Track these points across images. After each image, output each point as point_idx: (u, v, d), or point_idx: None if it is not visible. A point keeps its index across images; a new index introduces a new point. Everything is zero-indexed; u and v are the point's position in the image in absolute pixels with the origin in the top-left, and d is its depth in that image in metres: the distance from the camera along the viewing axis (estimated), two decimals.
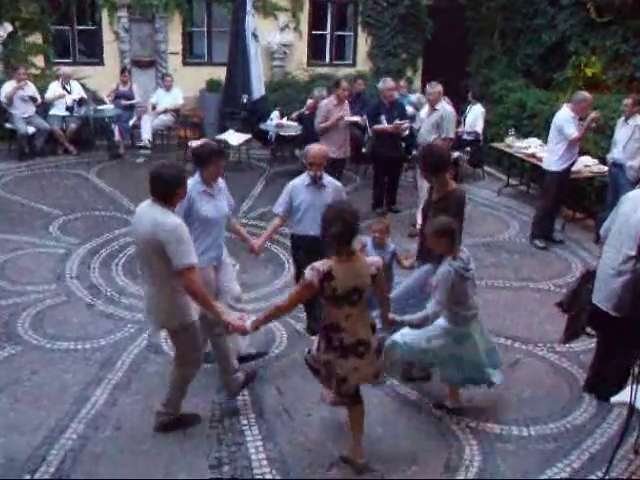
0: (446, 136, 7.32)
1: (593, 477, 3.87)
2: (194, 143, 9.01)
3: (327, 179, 5.06)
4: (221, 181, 4.53)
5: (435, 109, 7.43)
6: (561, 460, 4.00)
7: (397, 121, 7.77)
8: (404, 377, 4.62)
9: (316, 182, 4.98)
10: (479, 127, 9.49)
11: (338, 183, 5.15)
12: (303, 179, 5.04)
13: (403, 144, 8.34)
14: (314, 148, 5.12)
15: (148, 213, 3.67)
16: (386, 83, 7.98)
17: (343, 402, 3.85)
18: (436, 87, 7.50)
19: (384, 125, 7.84)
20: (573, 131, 6.84)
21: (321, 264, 3.46)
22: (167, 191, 3.65)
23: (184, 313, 3.78)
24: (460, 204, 4.53)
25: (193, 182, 4.27)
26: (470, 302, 4.07)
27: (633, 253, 4.17)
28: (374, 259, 3.73)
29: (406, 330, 4.16)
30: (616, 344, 4.35)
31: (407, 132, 8.25)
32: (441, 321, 4.11)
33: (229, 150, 9.71)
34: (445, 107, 7.47)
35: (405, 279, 4.93)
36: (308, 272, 3.45)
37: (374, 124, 7.96)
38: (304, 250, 4.94)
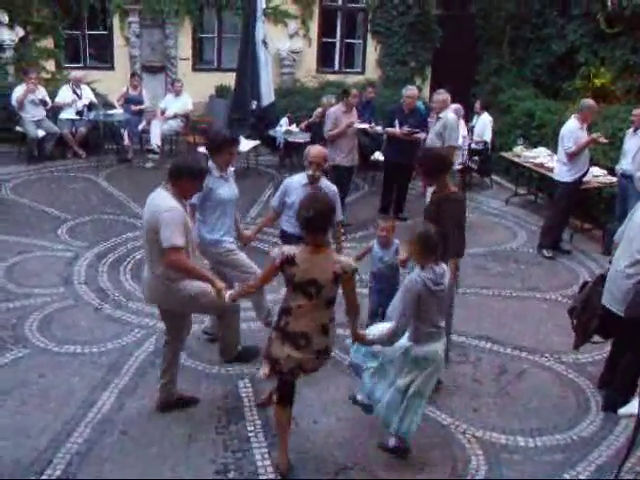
0: (449, 144, 7.32)
1: None
2: (202, 148, 9.12)
3: (324, 182, 5.11)
4: (232, 168, 4.83)
5: (439, 117, 7.44)
6: (567, 472, 3.97)
7: (406, 128, 7.78)
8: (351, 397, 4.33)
9: (313, 182, 5.01)
10: (487, 136, 9.49)
11: (334, 188, 5.15)
12: (300, 178, 5.11)
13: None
14: (315, 148, 5.23)
15: (154, 197, 3.92)
16: (408, 91, 8.02)
17: (276, 406, 3.83)
18: (441, 95, 7.51)
19: (395, 129, 7.86)
20: (570, 145, 6.85)
21: (288, 248, 3.53)
22: (175, 176, 3.86)
23: (175, 296, 3.99)
24: (456, 208, 4.46)
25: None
26: (434, 319, 3.75)
27: None
28: (345, 260, 3.57)
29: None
30: (627, 345, 4.40)
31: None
32: (402, 340, 3.79)
33: (238, 156, 9.76)
34: (448, 115, 7.47)
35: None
36: (274, 251, 3.58)
37: (387, 127, 8.04)
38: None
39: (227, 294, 3.99)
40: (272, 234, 5.38)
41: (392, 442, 4.01)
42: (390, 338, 3.73)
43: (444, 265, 3.83)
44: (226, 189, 4.70)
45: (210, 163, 4.61)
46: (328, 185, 5.13)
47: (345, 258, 3.65)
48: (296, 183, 5.08)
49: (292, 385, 3.76)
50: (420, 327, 3.73)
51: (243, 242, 5.16)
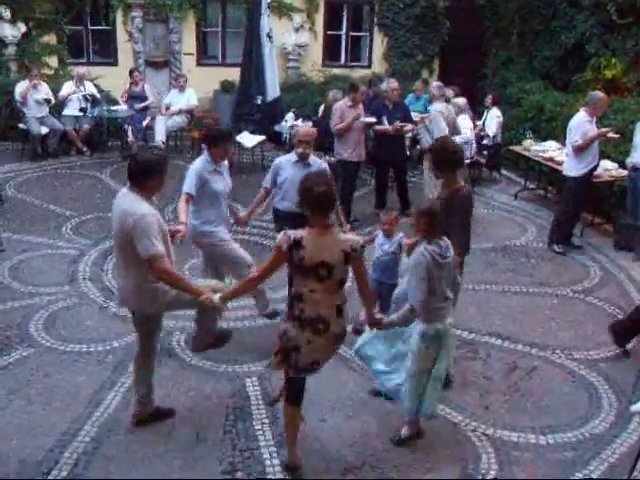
0: (431, 137, 7.23)
1: None
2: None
3: (313, 158, 5.24)
4: (225, 162, 4.92)
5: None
6: (580, 470, 3.94)
7: (398, 123, 7.70)
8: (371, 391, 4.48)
9: (303, 160, 5.13)
10: (491, 130, 9.38)
11: (324, 164, 5.27)
12: (290, 157, 5.25)
13: (407, 144, 8.29)
14: (304, 128, 5.48)
15: (121, 202, 3.72)
16: (390, 84, 7.91)
17: (287, 406, 3.76)
18: (432, 88, 7.49)
19: (385, 126, 7.78)
20: (577, 138, 6.75)
21: (293, 232, 3.43)
22: (142, 178, 3.66)
23: (151, 303, 3.81)
24: (465, 203, 4.46)
25: (203, 162, 4.74)
26: (444, 291, 3.84)
27: None
28: (352, 237, 3.58)
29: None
30: None
31: (411, 134, 8.16)
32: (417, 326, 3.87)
33: (243, 152, 9.72)
34: (435, 107, 7.40)
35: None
36: (279, 237, 3.45)
37: (376, 125, 7.89)
38: (287, 225, 5.02)
39: (216, 296, 3.77)
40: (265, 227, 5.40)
41: (405, 431, 4.06)
42: (407, 317, 3.78)
43: (447, 239, 3.89)
44: (220, 182, 4.79)
45: (205, 156, 4.78)
46: (316, 161, 5.25)
47: (351, 236, 3.64)
48: (285, 162, 5.22)
49: (302, 383, 3.71)
50: (431, 301, 3.76)
51: (240, 225, 5.34)
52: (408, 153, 8.31)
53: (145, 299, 3.80)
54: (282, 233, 3.44)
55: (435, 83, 8.03)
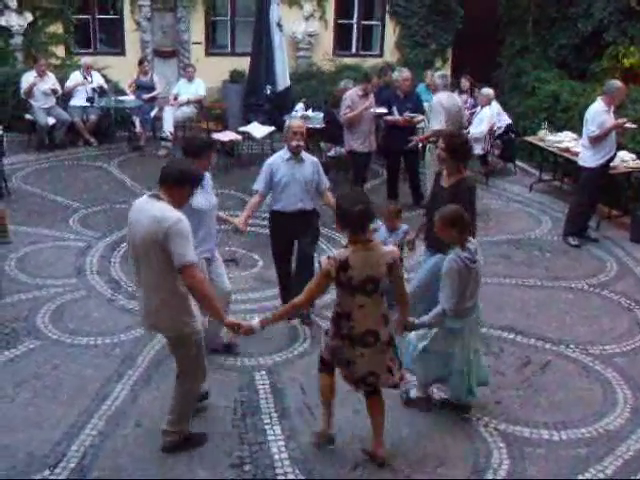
0: (430, 127, 7.16)
1: None
2: (217, 135, 9.02)
3: (304, 154, 5.16)
4: (207, 175, 4.48)
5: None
6: (593, 466, 3.89)
7: (408, 114, 7.59)
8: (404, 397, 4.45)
9: (296, 155, 5.03)
10: (500, 122, 9.25)
11: (314, 158, 5.24)
12: (281, 155, 5.13)
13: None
14: (296, 121, 5.41)
15: (147, 209, 3.45)
16: (402, 73, 7.80)
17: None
18: (432, 77, 7.41)
19: (395, 117, 7.67)
20: (594, 129, 6.62)
21: (338, 253, 3.50)
22: (179, 182, 3.48)
23: (185, 321, 3.54)
24: (472, 193, 4.54)
25: None
26: (473, 294, 3.98)
27: None
28: (391, 248, 3.72)
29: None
30: None
31: (421, 125, 8.05)
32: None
33: (253, 142, 9.65)
34: (435, 97, 7.28)
35: (416, 273, 4.93)
36: (325, 261, 3.48)
37: (386, 115, 7.81)
38: (286, 225, 5.10)
39: (255, 321, 3.68)
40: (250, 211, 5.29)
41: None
42: (439, 319, 3.92)
43: (474, 240, 3.99)
44: (202, 198, 4.32)
45: None
46: (308, 156, 5.21)
47: (389, 247, 3.77)
48: (278, 161, 5.10)
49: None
50: (461, 303, 3.88)
51: (242, 231, 5.08)
52: (420, 145, 8.19)
53: (176, 315, 3.52)
54: (325, 258, 3.50)
55: (437, 73, 7.88)
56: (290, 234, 5.15)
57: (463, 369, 4.07)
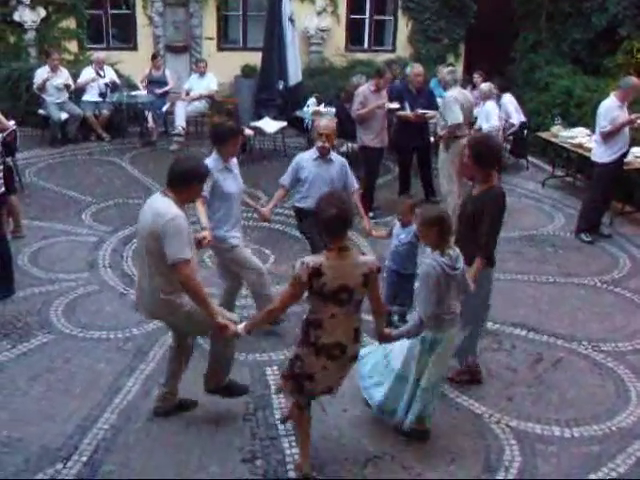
0: (445, 124, 7.08)
1: None
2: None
3: (334, 155, 5.19)
4: (234, 160, 4.70)
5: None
6: (606, 464, 3.87)
7: (419, 110, 7.55)
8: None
9: (324, 155, 5.07)
10: (511, 117, 9.16)
11: (343, 159, 5.27)
12: (311, 153, 5.18)
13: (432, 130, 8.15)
14: (324, 120, 5.37)
15: (152, 206, 3.60)
16: (414, 69, 7.74)
17: (296, 411, 3.70)
18: (443, 73, 7.34)
19: (407, 113, 7.63)
20: (606, 124, 6.57)
21: (311, 259, 3.33)
22: (181, 182, 3.58)
23: (175, 306, 3.67)
24: (497, 204, 4.18)
25: (212, 161, 4.46)
26: (451, 303, 3.73)
27: None
28: (369, 259, 3.53)
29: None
30: None
31: (433, 120, 7.99)
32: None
33: (264, 137, 9.64)
34: (448, 93, 7.22)
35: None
36: (298, 267, 3.30)
37: (398, 111, 7.75)
38: (310, 223, 5.03)
39: (240, 327, 3.64)
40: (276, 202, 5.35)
41: (407, 425, 3.94)
42: (417, 329, 3.70)
43: (457, 248, 3.75)
44: (231, 182, 4.57)
45: (214, 155, 4.55)
46: (337, 157, 5.21)
47: (368, 257, 3.59)
48: (307, 159, 5.14)
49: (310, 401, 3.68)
50: (437, 312, 3.66)
51: (265, 219, 5.21)
52: (432, 139, 8.15)
53: (158, 308, 3.72)
54: (299, 262, 3.32)
55: (446, 69, 7.80)
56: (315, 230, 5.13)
57: (428, 388, 3.81)
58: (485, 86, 8.63)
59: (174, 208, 3.53)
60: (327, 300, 3.33)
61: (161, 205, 3.55)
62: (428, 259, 3.67)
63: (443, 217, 3.67)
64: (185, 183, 3.60)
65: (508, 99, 9.27)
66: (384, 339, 3.73)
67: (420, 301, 3.71)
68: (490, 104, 8.38)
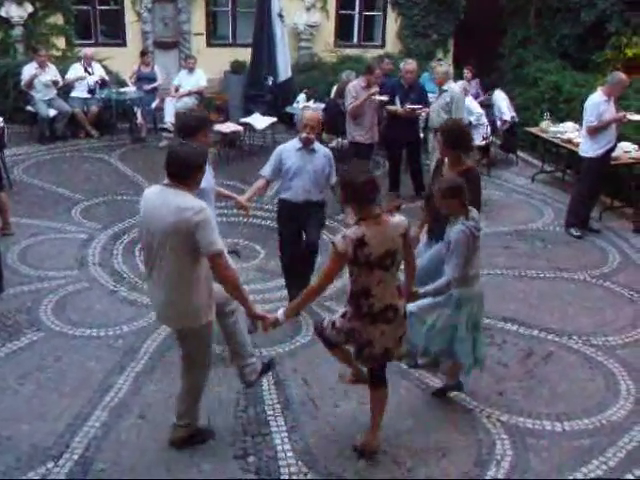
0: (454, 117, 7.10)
1: (630, 476, 3.74)
2: (218, 126, 8.98)
3: (317, 145, 5.10)
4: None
5: (444, 90, 7.22)
6: (596, 457, 3.88)
7: (408, 105, 7.55)
8: (410, 363, 4.56)
9: (307, 145, 4.98)
10: (502, 112, 9.19)
11: (327, 149, 5.21)
12: (294, 143, 5.06)
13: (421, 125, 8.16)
14: (308, 112, 5.34)
15: (168, 199, 3.31)
16: (406, 64, 7.75)
17: (363, 380, 3.82)
18: (443, 67, 7.30)
19: (396, 107, 7.64)
20: (592, 119, 6.60)
21: (352, 231, 3.35)
22: (186, 172, 3.35)
23: (201, 314, 3.45)
24: (474, 185, 4.35)
25: None
26: (479, 262, 4.02)
27: None
28: (400, 218, 3.55)
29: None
30: None
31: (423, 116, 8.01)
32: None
33: (254, 133, 9.62)
34: (453, 88, 7.25)
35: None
36: (340, 241, 3.32)
37: (387, 105, 7.76)
38: (293, 214, 5.06)
39: (279, 313, 3.56)
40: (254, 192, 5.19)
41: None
42: (444, 288, 3.91)
43: (472, 208, 3.95)
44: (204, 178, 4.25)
45: None
46: (320, 147, 5.14)
47: (397, 216, 3.56)
48: (290, 148, 5.04)
49: (383, 367, 3.72)
50: (468, 271, 3.90)
51: (244, 209, 4.95)
52: (422, 135, 8.16)
53: (196, 307, 3.44)
54: (340, 237, 3.34)
55: (443, 66, 7.77)
56: (296, 223, 5.11)
57: (471, 336, 4.05)
58: (460, 83, 8.68)
59: (196, 200, 3.32)
60: (373, 267, 3.39)
61: (182, 199, 3.28)
62: (457, 226, 3.82)
63: (460, 185, 3.82)
64: (190, 174, 3.35)
65: (500, 95, 9.30)
66: (411, 296, 3.84)
67: (451, 266, 3.86)
68: (467, 99, 8.42)
